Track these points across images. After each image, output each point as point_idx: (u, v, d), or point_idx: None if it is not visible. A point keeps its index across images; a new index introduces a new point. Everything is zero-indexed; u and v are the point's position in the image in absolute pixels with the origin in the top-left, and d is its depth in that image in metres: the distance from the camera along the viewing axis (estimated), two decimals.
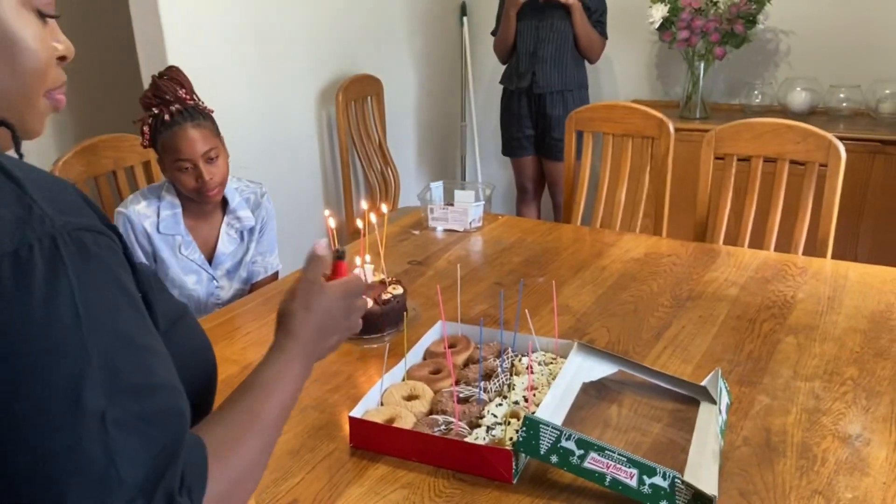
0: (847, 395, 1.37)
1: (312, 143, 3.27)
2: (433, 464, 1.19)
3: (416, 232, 2.21)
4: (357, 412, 1.25)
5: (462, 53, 4.05)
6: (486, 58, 3.90)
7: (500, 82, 3.45)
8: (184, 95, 1.73)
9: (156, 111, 1.72)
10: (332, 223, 1.49)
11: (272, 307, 1.78)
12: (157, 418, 0.57)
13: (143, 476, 0.55)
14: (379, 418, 1.25)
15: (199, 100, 1.78)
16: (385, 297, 1.62)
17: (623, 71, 3.81)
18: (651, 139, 2.36)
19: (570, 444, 1.12)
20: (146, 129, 1.74)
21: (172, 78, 1.73)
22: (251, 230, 1.93)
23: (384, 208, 1.69)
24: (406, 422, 1.25)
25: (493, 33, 3.44)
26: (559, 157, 3.33)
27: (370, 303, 1.54)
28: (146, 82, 2.52)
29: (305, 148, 3.24)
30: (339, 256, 1.02)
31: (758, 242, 2.17)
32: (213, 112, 1.80)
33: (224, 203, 1.90)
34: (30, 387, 0.52)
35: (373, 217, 1.63)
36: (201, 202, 1.81)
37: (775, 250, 2.12)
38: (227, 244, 1.90)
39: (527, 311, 1.52)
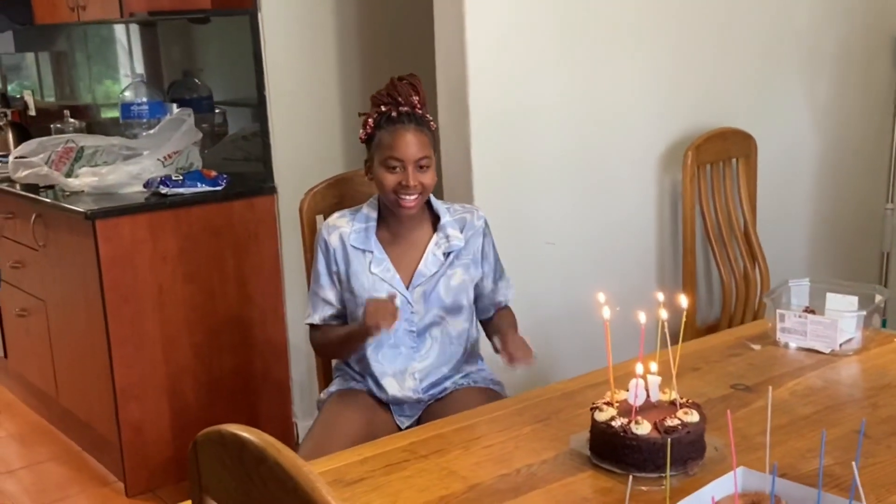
0: None
1: (647, 223, 2.68)
2: None
3: (756, 347, 1.68)
4: None
5: None
6: None
7: None
8: (416, 102, 1.71)
9: (384, 109, 1.70)
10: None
11: (529, 417, 1.43)
12: None
13: None
14: None
15: (428, 113, 1.75)
16: (671, 422, 1.18)
17: None
18: None
19: None
20: (370, 122, 1.72)
21: (411, 83, 1.72)
22: (458, 252, 1.78)
23: (683, 301, 1.26)
24: None
25: None
26: None
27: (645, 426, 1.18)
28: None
29: (636, 228, 2.65)
30: None
31: None
32: (434, 127, 1.78)
33: (435, 220, 1.79)
34: None
35: (663, 313, 1.21)
36: (395, 209, 1.73)
37: None
38: (430, 264, 1.77)
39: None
